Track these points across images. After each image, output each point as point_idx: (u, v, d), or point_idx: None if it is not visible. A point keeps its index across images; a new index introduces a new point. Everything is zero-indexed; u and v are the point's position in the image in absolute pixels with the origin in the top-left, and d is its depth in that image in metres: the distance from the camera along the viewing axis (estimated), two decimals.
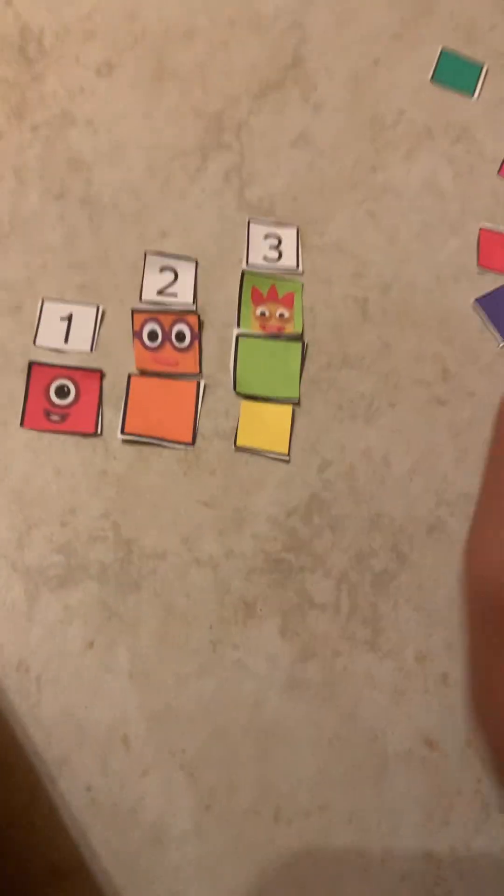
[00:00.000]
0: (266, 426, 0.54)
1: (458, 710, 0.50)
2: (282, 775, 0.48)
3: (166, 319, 0.56)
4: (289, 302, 0.57)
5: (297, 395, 0.55)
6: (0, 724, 0.46)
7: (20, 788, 0.45)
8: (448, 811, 0.48)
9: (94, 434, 0.53)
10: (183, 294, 0.57)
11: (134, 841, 0.46)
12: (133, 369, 0.55)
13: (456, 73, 0.66)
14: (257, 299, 0.57)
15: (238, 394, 0.54)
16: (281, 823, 0.47)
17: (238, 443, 0.53)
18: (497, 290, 0.59)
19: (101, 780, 0.46)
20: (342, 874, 0.46)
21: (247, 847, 0.46)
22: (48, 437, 0.52)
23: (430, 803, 0.48)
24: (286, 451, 0.54)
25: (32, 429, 0.52)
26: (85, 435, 0.53)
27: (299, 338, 0.57)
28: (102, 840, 0.45)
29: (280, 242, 0.59)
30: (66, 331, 0.55)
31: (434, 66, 0.66)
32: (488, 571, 0.28)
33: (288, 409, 0.55)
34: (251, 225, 0.59)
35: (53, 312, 0.55)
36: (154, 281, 0.57)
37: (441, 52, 0.66)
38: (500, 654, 0.27)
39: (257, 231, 0.59)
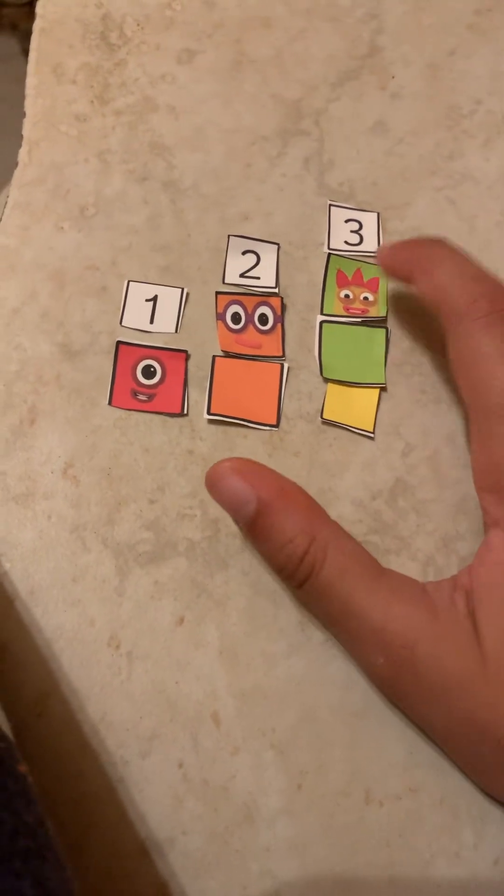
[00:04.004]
0: (352, 405, 0.54)
1: None
2: (372, 757, 0.47)
3: (249, 302, 0.56)
4: (374, 286, 0.57)
5: (383, 381, 0.55)
6: (90, 699, 0.46)
7: (112, 763, 0.45)
8: None
9: (181, 414, 0.53)
10: (265, 277, 0.57)
11: (225, 818, 0.45)
12: (217, 351, 0.55)
13: None
14: (342, 282, 0.57)
15: (325, 379, 0.54)
16: (372, 805, 0.46)
17: (324, 415, 0.53)
18: None
19: (192, 756, 0.46)
20: (434, 856, 0.46)
21: (338, 828, 0.46)
22: (135, 416, 0.52)
23: None
24: (371, 429, 0.53)
25: (120, 407, 0.52)
26: (171, 415, 0.53)
27: (383, 323, 0.56)
28: (195, 816, 0.45)
29: (361, 227, 0.59)
30: (152, 312, 0.55)
31: None
32: None
33: (375, 391, 0.54)
34: (332, 209, 0.59)
35: (139, 294, 0.55)
36: (237, 264, 0.57)
37: None
38: None
39: (338, 215, 0.59)
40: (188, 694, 0.47)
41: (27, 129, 0.59)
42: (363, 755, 0.47)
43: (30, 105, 0.60)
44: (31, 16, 0.64)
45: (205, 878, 0.44)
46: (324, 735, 0.47)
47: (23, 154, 0.58)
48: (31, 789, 0.35)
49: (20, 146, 0.59)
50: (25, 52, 0.63)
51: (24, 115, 0.61)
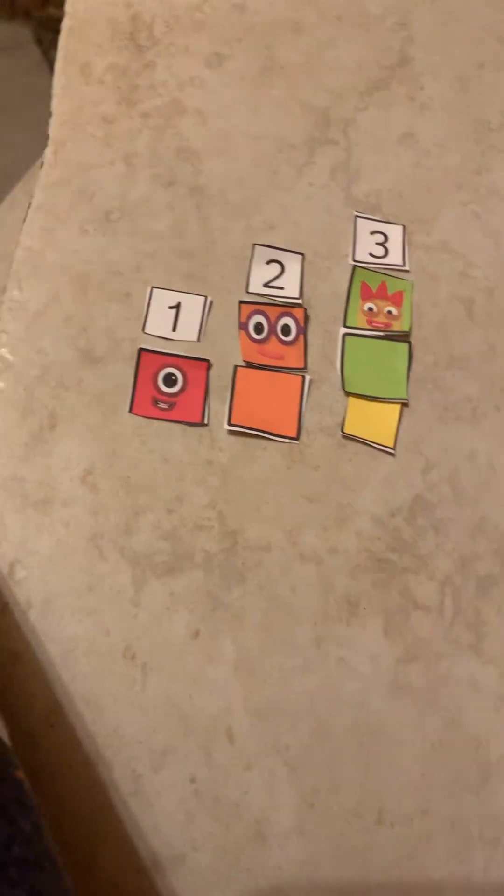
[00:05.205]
0: (373, 420, 0.53)
1: None
2: (384, 778, 0.47)
3: (272, 312, 0.56)
4: (398, 300, 0.57)
5: (405, 396, 0.54)
6: (103, 710, 0.46)
7: (124, 776, 0.45)
8: None
9: (201, 424, 0.52)
10: (289, 287, 0.57)
11: (237, 835, 0.45)
12: (239, 360, 0.54)
13: None
14: (366, 294, 0.56)
15: (346, 393, 0.54)
16: (383, 826, 0.46)
17: (345, 429, 0.53)
18: None
19: (204, 771, 0.46)
20: (444, 881, 0.46)
21: (349, 849, 0.46)
22: (156, 425, 0.52)
23: None
24: (392, 445, 0.53)
25: (140, 415, 0.52)
26: (191, 424, 0.52)
27: (406, 338, 0.56)
28: (206, 832, 0.45)
29: (386, 239, 0.59)
30: (175, 319, 0.55)
31: None
32: None
33: (396, 406, 0.54)
34: (358, 220, 0.59)
35: (162, 300, 0.55)
36: (261, 273, 0.57)
37: None
38: None
39: (364, 227, 0.59)
40: (202, 708, 0.47)
41: (53, 129, 0.58)
42: (376, 776, 0.47)
43: (57, 105, 0.59)
44: (44, 4, 0.63)
45: (214, 895, 0.44)
46: (337, 754, 0.47)
47: (48, 154, 0.58)
48: (28, 796, 0.34)
49: (33, 137, 0.59)
50: (39, 40, 0.63)
51: (37, 104, 0.60)
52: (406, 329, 0.56)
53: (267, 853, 0.45)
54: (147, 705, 0.46)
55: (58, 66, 0.60)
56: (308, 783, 0.46)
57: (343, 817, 0.46)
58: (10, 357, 0.52)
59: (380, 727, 0.48)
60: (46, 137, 0.58)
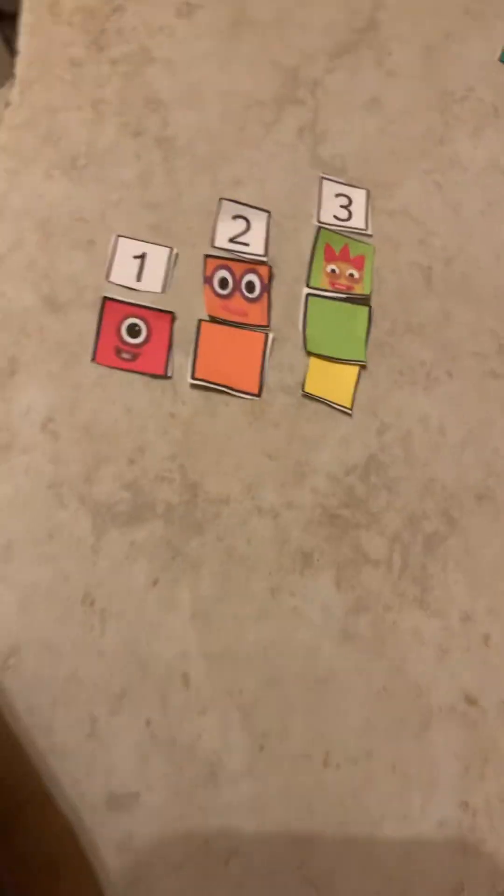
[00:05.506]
0: (332, 380, 0.55)
1: (498, 670, 0.52)
2: (332, 722, 0.49)
3: (238, 268, 0.56)
4: (359, 263, 0.58)
5: (363, 359, 0.56)
6: (62, 655, 0.46)
7: (80, 720, 0.46)
8: (484, 765, 0.50)
9: (164, 376, 0.53)
10: (254, 244, 0.57)
11: (190, 776, 0.46)
12: (203, 315, 0.55)
13: None
14: (329, 256, 0.57)
15: (308, 353, 0.55)
16: (330, 768, 0.48)
17: (306, 388, 0.54)
18: None
19: (160, 715, 0.47)
20: (384, 817, 0.48)
21: (297, 788, 0.48)
22: (118, 375, 0.52)
23: (467, 757, 0.50)
24: (349, 405, 0.54)
25: (103, 364, 0.52)
26: (154, 376, 0.52)
27: (367, 301, 0.57)
28: (160, 773, 0.46)
29: (350, 202, 0.60)
30: (139, 269, 0.54)
31: (503, 46, 0.67)
32: None
33: (355, 368, 0.55)
34: (323, 182, 0.60)
35: (127, 250, 0.55)
36: (227, 228, 0.57)
37: None
38: None
39: (329, 189, 0.60)
40: (159, 654, 0.48)
41: (20, 69, 0.57)
42: (324, 720, 0.49)
43: (24, 44, 0.57)
44: None
45: (167, 832, 0.45)
46: (288, 699, 0.49)
47: (14, 94, 0.56)
48: None
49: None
50: None
51: None
52: (367, 293, 0.57)
53: (218, 793, 0.46)
54: (105, 650, 0.47)
55: (25, 2, 0.58)
56: (259, 727, 0.48)
57: (292, 759, 0.48)
58: None
59: (329, 674, 0.50)
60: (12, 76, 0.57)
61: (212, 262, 0.55)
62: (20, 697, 0.45)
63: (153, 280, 0.54)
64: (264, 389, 0.54)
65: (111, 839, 0.44)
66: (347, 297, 0.57)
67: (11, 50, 0.57)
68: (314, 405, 0.55)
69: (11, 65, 0.56)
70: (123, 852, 0.44)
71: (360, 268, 0.58)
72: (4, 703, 0.45)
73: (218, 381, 0.53)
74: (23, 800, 0.42)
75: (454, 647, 0.52)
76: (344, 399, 0.55)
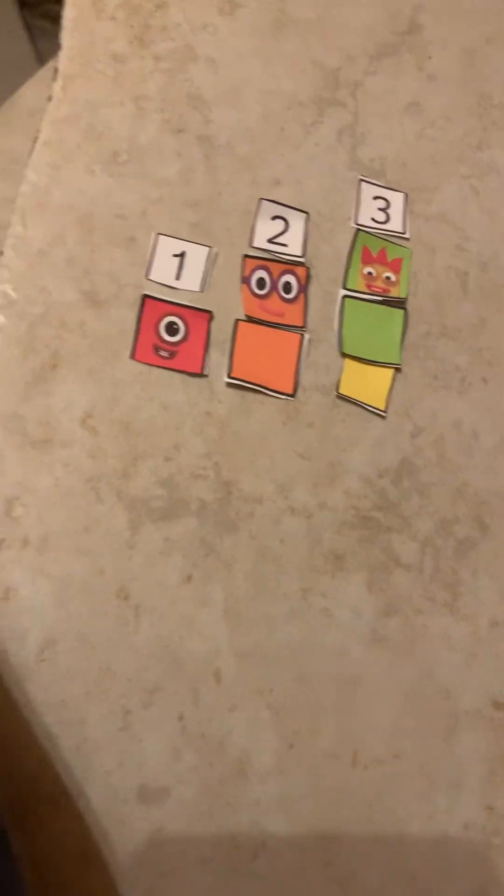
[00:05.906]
0: (367, 382, 0.55)
1: None
2: (360, 723, 0.49)
3: (275, 269, 0.56)
4: (396, 266, 0.58)
5: (399, 362, 0.56)
6: (96, 648, 0.47)
7: (113, 713, 0.46)
8: None
9: (201, 374, 0.53)
10: (293, 245, 0.57)
11: (219, 772, 0.47)
12: (240, 314, 0.55)
13: None
14: (367, 258, 0.58)
15: (343, 354, 0.55)
16: (358, 768, 0.49)
17: (340, 390, 0.54)
18: None
19: (192, 710, 0.47)
20: (410, 817, 0.49)
21: (324, 787, 0.48)
22: (156, 372, 0.52)
23: (493, 761, 0.51)
24: (384, 408, 0.55)
25: (142, 362, 0.52)
26: (191, 374, 0.53)
27: (403, 304, 0.57)
28: (191, 767, 0.46)
29: (388, 205, 0.60)
30: (179, 268, 0.55)
31: None
32: None
33: (390, 371, 0.56)
34: (362, 184, 0.60)
35: (167, 248, 0.55)
36: (265, 228, 0.57)
37: None
38: None
39: (367, 191, 0.60)
40: (192, 650, 0.48)
41: (62, 63, 0.57)
42: (353, 720, 0.49)
43: (66, 38, 0.58)
44: None
45: (196, 826, 0.46)
46: (317, 699, 0.49)
47: (56, 89, 0.56)
48: None
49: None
50: None
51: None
52: (403, 296, 0.57)
53: (247, 789, 0.47)
54: (138, 645, 0.48)
55: None
56: (289, 725, 0.48)
57: (320, 758, 0.48)
58: (12, 294, 0.51)
59: (358, 675, 0.50)
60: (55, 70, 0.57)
61: (250, 263, 0.56)
62: (54, 690, 0.46)
63: (192, 279, 0.55)
64: (299, 390, 0.54)
65: (142, 831, 0.45)
66: (384, 300, 0.57)
67: (34, 39, 0.57)
68: (348, 406, 0.55)
69: (34, 56, 0.56)
70: (153, 845, 0.45)
71: (397, 271, 0.58)
72: (25, 702, 0.45)
73: (253, 381, 0.53)
74: (36, 799, 0.43)
75: (482, 653, 0.52)
76: (378, 401, 0.55)
